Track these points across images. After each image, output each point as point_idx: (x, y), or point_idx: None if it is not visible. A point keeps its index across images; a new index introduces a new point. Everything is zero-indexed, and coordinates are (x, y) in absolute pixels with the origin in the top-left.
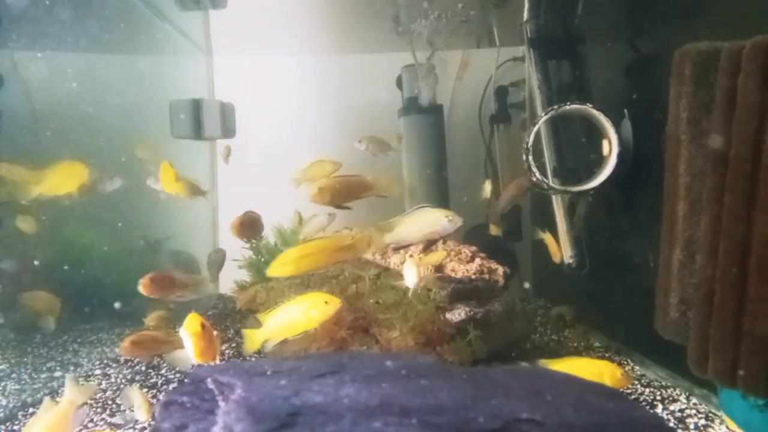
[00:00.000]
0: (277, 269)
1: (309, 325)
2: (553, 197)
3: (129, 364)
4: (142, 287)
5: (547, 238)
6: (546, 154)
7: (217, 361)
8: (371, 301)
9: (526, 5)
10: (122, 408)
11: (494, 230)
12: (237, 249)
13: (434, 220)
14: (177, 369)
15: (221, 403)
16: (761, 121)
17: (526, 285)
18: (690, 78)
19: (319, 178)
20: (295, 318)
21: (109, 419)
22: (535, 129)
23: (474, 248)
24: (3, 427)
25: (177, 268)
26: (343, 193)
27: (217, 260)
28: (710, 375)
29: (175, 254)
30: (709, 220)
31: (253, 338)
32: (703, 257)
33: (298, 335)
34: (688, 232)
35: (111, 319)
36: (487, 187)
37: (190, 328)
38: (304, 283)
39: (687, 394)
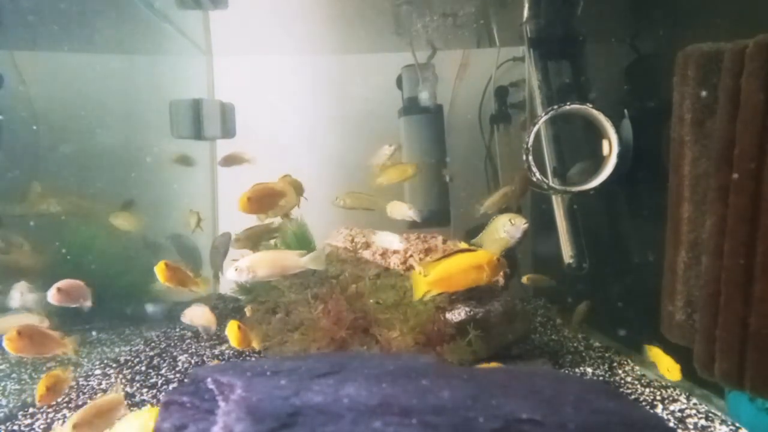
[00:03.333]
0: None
1: (476, 281)
2: (553, 197)
3: (129, 364)
4: (8, 342)
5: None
6: (546, 153)
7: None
8: (371, 301)
9: (526, 5)
10: None
11: None
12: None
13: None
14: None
15: (221, 403)
16: (765, 120)
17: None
18: (693, 79)
19: (400, 179)
20: (465, 272)
21: None
22: (535, 129)
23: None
24: (3, 427)
25: (179, 255)
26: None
27: (223, 243)
28: (717, 377)
29: (177, 238)
30: (714, 220)
31: (420, 284)
32: (708, 258)
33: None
34: (693, 234)
35: (111, 320)
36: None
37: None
38: (304, 284)
39: (687, 394)
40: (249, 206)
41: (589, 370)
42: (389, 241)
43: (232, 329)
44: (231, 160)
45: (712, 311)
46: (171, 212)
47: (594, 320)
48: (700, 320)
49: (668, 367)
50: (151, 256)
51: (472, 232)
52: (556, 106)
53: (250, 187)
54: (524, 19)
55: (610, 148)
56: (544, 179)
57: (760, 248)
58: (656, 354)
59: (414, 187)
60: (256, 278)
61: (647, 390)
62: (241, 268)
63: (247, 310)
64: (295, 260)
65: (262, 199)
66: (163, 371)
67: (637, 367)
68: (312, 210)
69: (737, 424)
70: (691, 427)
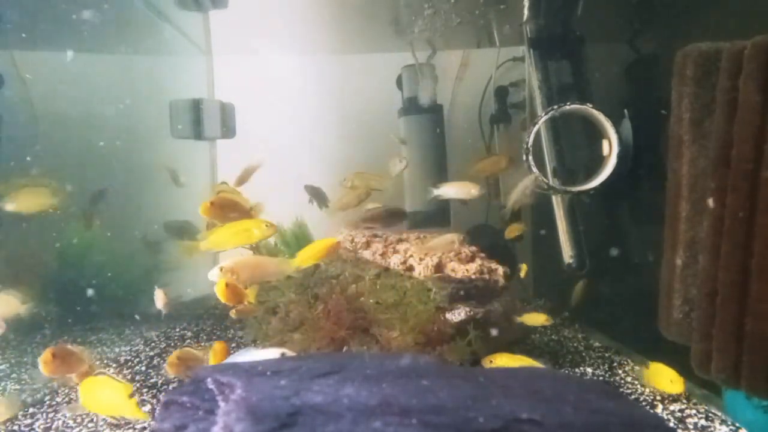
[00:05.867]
0: None
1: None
2: (553, 197)
3: (129, 364)
4: (44, 366)
5: None
6: (546, 153)
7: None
8: (371, 301)
9: (526, 5)
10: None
11: (513, 231)
12: (237, 249)
13: None
14: None
15: (221, 403)
16: (762, 121)
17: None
18: (692, 79)
19: (493, 173)
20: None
21: (108, 419)
22: (535, 129)
23: (474, 248)
24: (3, 427)
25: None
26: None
27: None
28: (713, 376)
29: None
30: (711, 220)
31: None
32: (705, 257)
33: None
34: (691, 233)
35: (111, 319)
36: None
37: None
38: (304, 284)
39: (687, 394)
40: (210, 211)
41: (589, 370)
42: (447, 241)
43: (219, 287)
44: (248, 173)
45: (708, 310)
46: (170, 212)
47: (594, 320)
48: (697, 319)
49: (671, 379)
50: (151, 255)
51: (472, 232)
52: (556, 106)
53: (216, 194)
54: (524, 19)
55: (610, 148)
56: (544, 179)
57: (757, 248)
58: (656, 370)
59: (414, 186)
60: (239, 281)
61: (647, 390)
62: (225, 270)
63: (232, 313)
64: (276, 266)
65: (224, 210)
66: (163, 371)
67: (637, 367)
68: (312, 210)
69: (737, 425)
70: (691, 427)
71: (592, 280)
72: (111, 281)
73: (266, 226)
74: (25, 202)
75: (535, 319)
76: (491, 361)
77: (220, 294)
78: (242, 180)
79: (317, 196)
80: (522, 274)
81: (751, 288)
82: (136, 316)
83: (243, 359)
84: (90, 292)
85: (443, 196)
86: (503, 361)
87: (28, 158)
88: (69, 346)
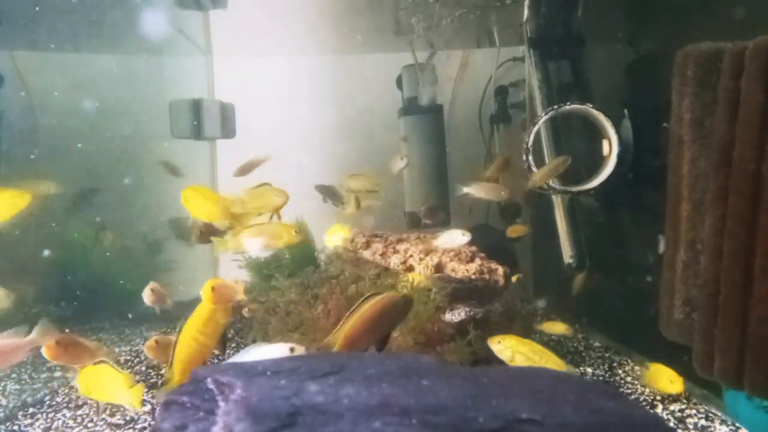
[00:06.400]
0: None
1: None
2: (553, 197)
3: (129, 364)
4: (46, 350)
5: None
6: (546, 153)
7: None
8: None
9: (526, 5)
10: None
11: (515, 232)
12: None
13: None
14: None
15: (221, 403)
16: (764, 122)
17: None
18: (692, 79)
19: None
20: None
21: (109, 419)
22: (535, 129)
23: (474, 248)
24: (3, 427)
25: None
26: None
27: None
28: (715, 376)
29: (176, 221)
30: (713, 221)
31: None
32: (707, 258)
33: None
34: (692, 233)
35: (111, 320)
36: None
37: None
38: (304, 283)
39: (687, 394)
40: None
41: (589, 370)
42: (454, 237)
43: (205, 290)
44: (252, 165)
45: (711, 311)
46: (171, 213)
47: (594, 320)
48: (699, 320)
49: (671, 379)
50: (152, 255)
51: (473, 232)
52: (556, 106)
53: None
54: (524, 20)
55: (610, 148)
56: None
57: (759, 249)
58: (656, 371)
59: (414, 186)
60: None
61: (647, 390)
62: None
63: (245, 311)
64: (281, 231)
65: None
66: (163, 371)
67: (637, 367)
68: (312, 210)
69: (737, 425)
70: (691, 427)
71: (591, 273)
72: (111, 281)
73: (295, 232)
74: None
75: (556, 328)
76: (499, 342)
77: (206, 296)
78: (244, 171)
79: (331, 194)
80: (514, 279)
81: (753, 289)
82: (129, 315)
83: (252, 355)
84: (90, 292)
85: (473, 194)
86: (511, 342)
87: (32, 156)
88: (80, 339)
